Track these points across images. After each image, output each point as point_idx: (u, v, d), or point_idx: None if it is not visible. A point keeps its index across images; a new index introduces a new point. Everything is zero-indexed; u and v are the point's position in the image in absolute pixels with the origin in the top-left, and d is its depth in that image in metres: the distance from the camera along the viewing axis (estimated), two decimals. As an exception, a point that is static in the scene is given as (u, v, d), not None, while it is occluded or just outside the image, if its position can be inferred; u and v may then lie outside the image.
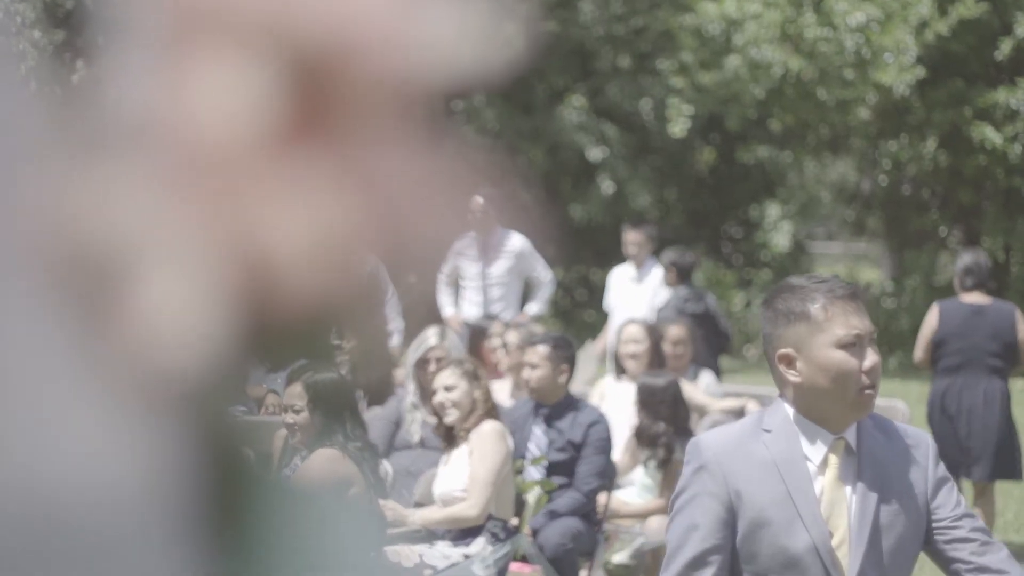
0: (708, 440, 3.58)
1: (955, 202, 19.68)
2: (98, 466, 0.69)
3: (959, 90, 18.15)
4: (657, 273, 12.19)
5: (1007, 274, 18.77)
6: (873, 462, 3.53)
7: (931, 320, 9.20)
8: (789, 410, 3.55)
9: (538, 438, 7.24)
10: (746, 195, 21.62)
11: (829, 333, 3.48)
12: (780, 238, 20.68)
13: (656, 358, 8.73)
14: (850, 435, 3.55)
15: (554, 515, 7.04)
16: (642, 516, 7.67)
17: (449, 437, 6.58)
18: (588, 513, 7.24)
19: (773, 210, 20.95)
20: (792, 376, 3.52)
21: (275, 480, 0.74)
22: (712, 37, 18.67)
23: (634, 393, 8.10)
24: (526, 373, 7.35)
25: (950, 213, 20.13)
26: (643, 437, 7.73)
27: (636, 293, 12.21)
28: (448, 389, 6.53)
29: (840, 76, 17.96)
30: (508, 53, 0.70)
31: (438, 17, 0.69)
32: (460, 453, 6.53)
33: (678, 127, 19.11)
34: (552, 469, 7.17)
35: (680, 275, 11.89)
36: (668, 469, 7.66)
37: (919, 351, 9.29)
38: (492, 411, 6.60)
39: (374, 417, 7.23)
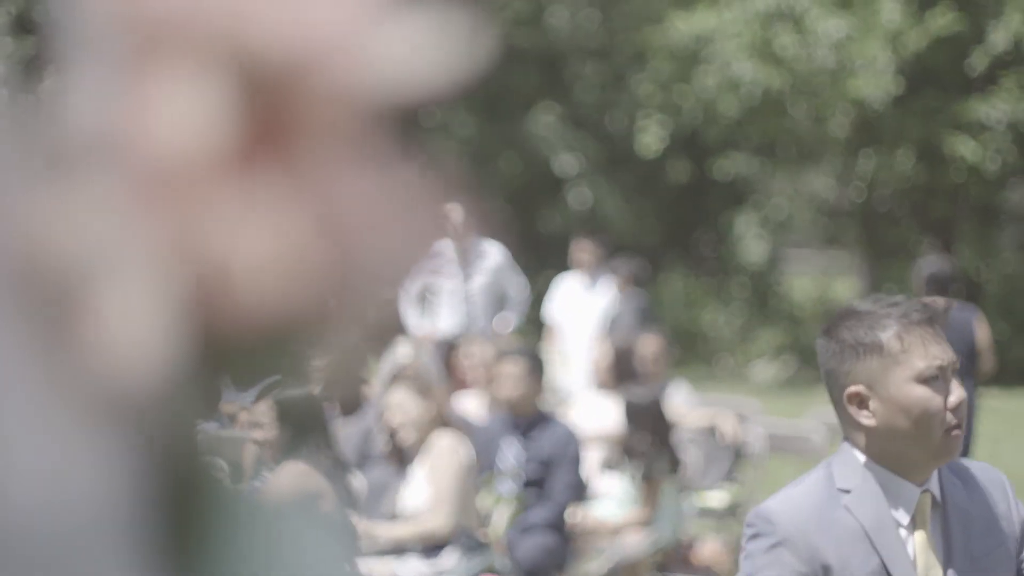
0: (782, 511, 3.10)
1: (930, 217, 19.66)
2: (57, 481, 0.68)
3: (934, 104, 18.13)
4: (608, 282, 12.20)
5: (982, 292, 18.71)
6: (960, 515, 3.13)
7: None
8: (860, 458, 3.11)
9: (512, 452, 7.21)
10: (720, 206, 21.58)
11: (907, 366, 3.04)
12: (754, 250, 20.65)
13: (626, 370, 8.69)
14: (933, 486, 3.13)
15: (527, 529, 7.03)
16: (617, 530, 7.64)
17: (402, 455, 6.55)
18: (561, 527, 7.23)
19: (747, 221, 20.91)
20: (865, 418, 3.07)
21: (242, 494, 0.74)
22: (684, 56, 18.63)
23: (610, 406, 8.17)
24: (502, 387, 7.33)
25: (926, 227, 20.10)
26: (628, 451, 7.74)
27: (587, 303, 12.20)
28: (401, 408, 6.50)
29: (814, 90, 17.95)
30: (471, 66, 0.69)
31: (397, 32, 0.69)
32: (419, 467, 6.51)
33: (650, 148, 19.13)
34: (526, 483, 7.15)
35: (636, 283, 11.96)
36: (650, 482, 7.68)
37: None
38: (446, 422, 6.57)
39: (346, 430, 7.18)
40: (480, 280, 10.52)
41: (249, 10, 0.68)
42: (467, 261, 10.45)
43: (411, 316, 10.21)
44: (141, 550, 0.70)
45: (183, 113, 0.67)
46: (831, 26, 17.63)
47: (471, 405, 8.15)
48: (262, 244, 0.67)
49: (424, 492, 6.43)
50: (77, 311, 0.67)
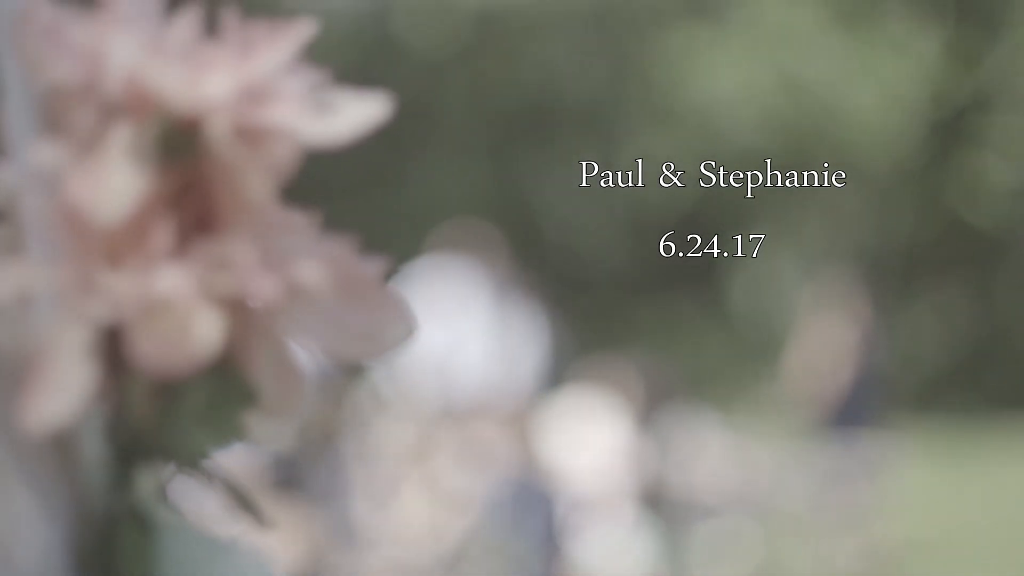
0: None
1: (940, 272, 19.67)
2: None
3: (940, 161, 18.34)
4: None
5: (1005, 347, 18.67)
6: None
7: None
8: None
9: (508, 500, 7.28)
10: (724, 238, 21.52)
11: None
12: (760, 279, 20.58)
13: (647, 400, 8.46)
14: None
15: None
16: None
17: (394, 485, 6.70)
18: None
19: (753, 252, 20.86)
20: None
21: (203, 537, 0.73)
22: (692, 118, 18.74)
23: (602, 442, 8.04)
24: (539, 447, 7.40)
25: (934, 283, 20.10)
26: (647, 501, 7.81)
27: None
28: (400, 437, 6.75)
29: (825, 158, 18.11)
30: (372, 126, 0.70)
31: (309, 91, 0.70)
32: (406, 498, 6.69)
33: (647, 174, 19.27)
34: (513, 529, 7.23)
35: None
36: (672, 537, 7.76)
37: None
38: (436, 456, 6.80)
39: (319, 464, 6.85)
40: (514, 315, 10.08)
41: (164, 71, 0.70)
42: (498, 294, 10.05)
43: (437, 360, 9.69)
44: None
45: (104, 173, 0.69)
46: (848, 96, 17.80)
47: (488, 457, 7.86)
48: (179, 298, 0.69)
49: (410, 523, 6.60)
50: (14, 366, 0.70)
